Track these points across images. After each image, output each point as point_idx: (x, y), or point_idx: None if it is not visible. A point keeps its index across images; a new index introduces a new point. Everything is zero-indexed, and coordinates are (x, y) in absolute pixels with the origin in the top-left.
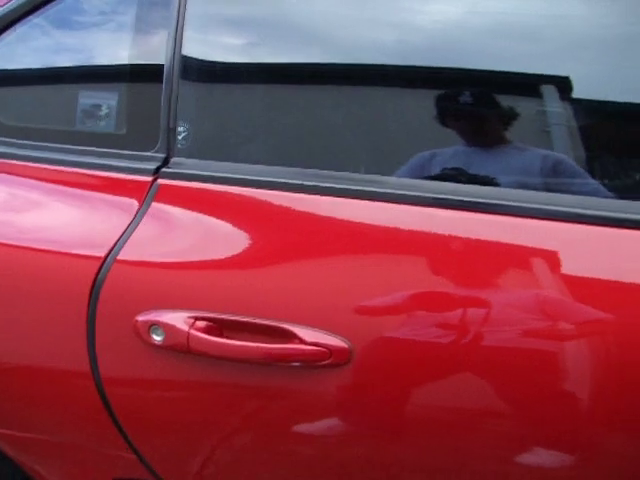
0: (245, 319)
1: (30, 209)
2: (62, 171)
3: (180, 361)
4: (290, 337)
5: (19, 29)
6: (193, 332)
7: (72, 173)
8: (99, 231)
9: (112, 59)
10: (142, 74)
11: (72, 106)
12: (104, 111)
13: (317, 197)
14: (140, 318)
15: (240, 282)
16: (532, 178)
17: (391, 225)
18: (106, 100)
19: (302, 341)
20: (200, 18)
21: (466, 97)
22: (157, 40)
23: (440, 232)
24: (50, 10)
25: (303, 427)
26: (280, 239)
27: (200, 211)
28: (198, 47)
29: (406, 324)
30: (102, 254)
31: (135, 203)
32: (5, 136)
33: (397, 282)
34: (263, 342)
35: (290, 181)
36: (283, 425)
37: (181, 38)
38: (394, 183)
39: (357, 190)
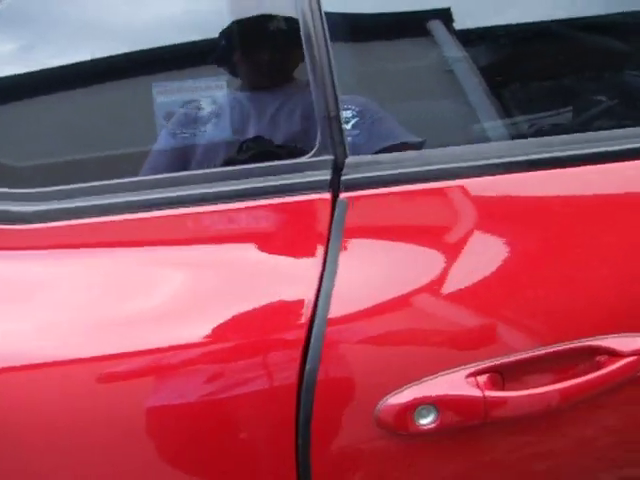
0: (534, 353)
1: (150, 292)
2: (169, 217)
3: (458, 438)
4: (595, 354)
5: None
6: (490, 393)
7: (185, 217)
8: (281, 295)
9: (203, 25)
10: (264, 42)
11: (144, 111)
12: (206, 108)
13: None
14: (386, 405)
15: (518, 307)
16: None
17: None
18: (206, 91)
19: (617, 354)
20: None
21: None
22: None
23: None
24: None
25: None
26: (538, 236)
27: (420, 223)
28: None
29: None
30: (301, 325)
31: (318, 234)
32: (17, 185)
33: None
34: (561, 374)
35: (531, 156)
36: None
37: None
38: None
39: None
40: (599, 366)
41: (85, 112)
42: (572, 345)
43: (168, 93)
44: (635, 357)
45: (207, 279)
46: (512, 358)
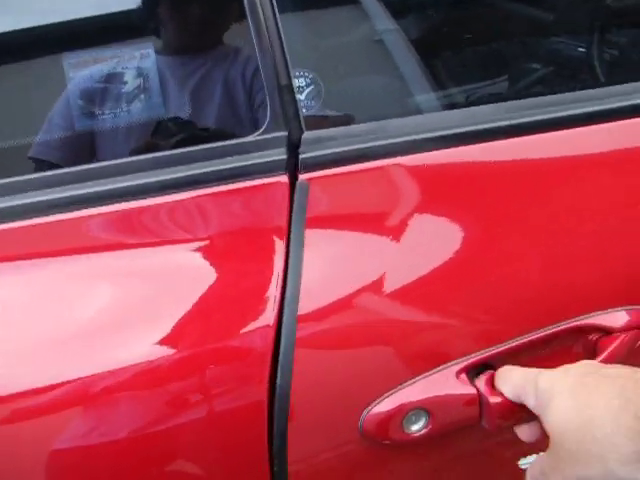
0: (526, 339)
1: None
2: (87, 218)
3: (447, 441)
4: (590, 332)
5: None
6: (486, 389)
7: (108, 216)
8: (243, 295)
9: None
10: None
11: (54, 88)
12: (131, 83)
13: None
14: (371, 414)
15: (498, 291)
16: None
17: None
18: (129, 62)
19: (620, 329)
20: None
21: None
22: None
23: None
24: None
25: None
26: (500, 212)
27: (393, 203)
28: None
29: None
30: (270, 321)
31: (277, 222)
32: None
33: None
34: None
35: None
36: None
37: None
38: None
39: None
40: (592, 346)
41: None
42: (562, 327)
43: (83, 65)
44: (630, 332)
45: (143, 289)
46: (503, 347)
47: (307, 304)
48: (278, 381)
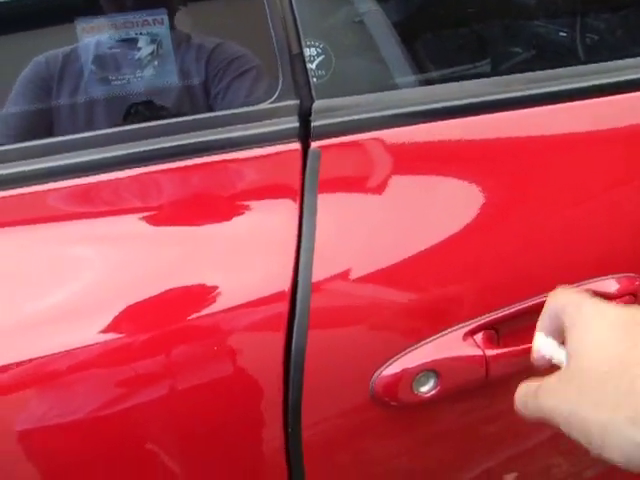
0: (527, 304)
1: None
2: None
3: (455, 403)
4: None
5: None
6: (490, 352)
7: (123, 181)
8: (254, 264)
9: None
10: None
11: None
12: (146, 49)
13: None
14: (382, 376)
15: (501, 259)
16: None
17: None
18: (144, 27)
19: (614, 295)
20: None
21: None
22: None
23: None
24: None
25: None
26: (502, 182)
27: (400, 171)
28: None
29: None
30: (285, 288)
31: (290, 189)
32: None
33: None
34: None
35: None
36: None
37: None
38: None
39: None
40: None
41: None
42: None
43: (95, 30)
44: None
45: (163, 253)
46: (507, 311)
47: (321, 270)
48: (294, 345)
